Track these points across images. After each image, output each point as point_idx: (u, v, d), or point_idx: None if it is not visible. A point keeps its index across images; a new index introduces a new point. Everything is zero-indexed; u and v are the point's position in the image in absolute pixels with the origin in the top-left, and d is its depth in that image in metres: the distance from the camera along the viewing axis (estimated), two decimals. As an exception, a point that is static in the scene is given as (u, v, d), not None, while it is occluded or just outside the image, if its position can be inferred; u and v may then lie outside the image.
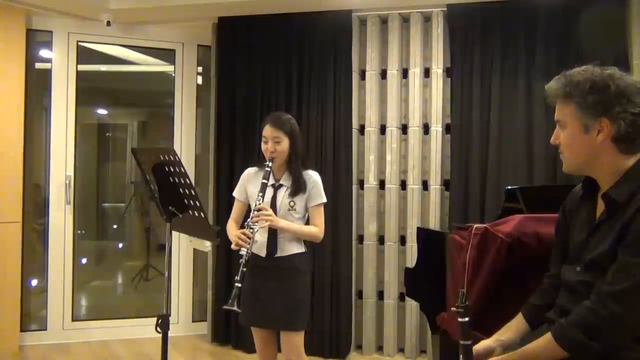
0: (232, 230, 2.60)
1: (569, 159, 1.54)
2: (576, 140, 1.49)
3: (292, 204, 2.54)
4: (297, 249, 2.59)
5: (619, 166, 1.46)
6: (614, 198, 1.45)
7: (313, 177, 2.60)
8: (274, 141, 2.51)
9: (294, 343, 2.52)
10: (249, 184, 2.63)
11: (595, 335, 1.39)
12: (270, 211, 2.46)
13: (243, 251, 2.36)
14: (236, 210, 2.68)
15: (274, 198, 2.54)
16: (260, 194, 2.44)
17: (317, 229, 2.59)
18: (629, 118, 1.42)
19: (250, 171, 2.67)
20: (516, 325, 1.70)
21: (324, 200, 2.62)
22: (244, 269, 2.33)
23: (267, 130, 2.52)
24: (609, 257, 1.42)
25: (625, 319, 1.38)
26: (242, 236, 2.39)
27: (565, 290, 1.60)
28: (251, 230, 2.39)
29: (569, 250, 1.63)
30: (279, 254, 2.54)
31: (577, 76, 1.48)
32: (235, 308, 2.29)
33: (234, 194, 2.69)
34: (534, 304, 1.73)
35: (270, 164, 2.49)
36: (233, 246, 2.42)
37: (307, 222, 2.63)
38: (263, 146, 2.54)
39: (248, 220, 2.44)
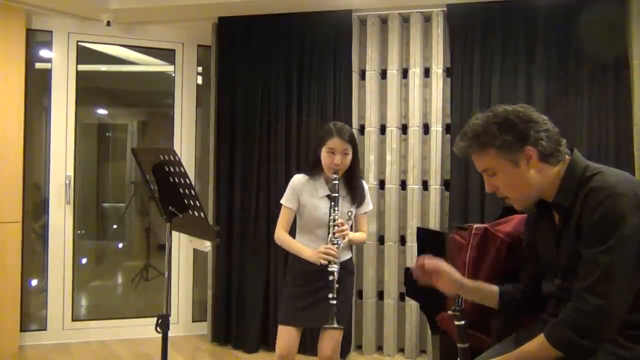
0: (289, 240, 2.64)
1: (519, 198, 1.62)
2: (513, 177, 1.56)
3: (349, 214, 2.61)
4: (348, 254, 2.70)
5: (553, 176, 1.56)
6: (562, 203, 1.54)
7: (364, 185, 2.71)
8: (343, 154, 2.52)
9: (337, 339, 2.57)
10: (302, 193, 2.62)
11: (584, 333, 1.41)
12: (347, 225, 2.53)
13: (333, 268, 2.41)
14: (287, 219, 2.66)
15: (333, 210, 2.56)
16: (336, 208, 2.48)
17: (365, 235, 2.74)
18: (545, 135, 1.52)
19: (301, 179, 2.65)
20: (489, 290, 1.77)
21: (372, 207, 2.77)
22: (337, 285, 2.39)
23: (336, 143, 2.51)
24: (577, 257, 1.47)
25: (607, 309, 1.40)
26: (330, 252, 2.44)
27: (553, 299, 1.65)
28: (336, 246, 2.46)
29: (542, 266, 1.69)
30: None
31: (479, 127, 1.57)
32: (335, 325, 2.37)
33: (284, 201, 2.65)
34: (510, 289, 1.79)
35: (337, 177, 2.51)
36: (323, 262, 2.45)
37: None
38: (328, 158, 2.52)
39: (329, 236, 2.48)
